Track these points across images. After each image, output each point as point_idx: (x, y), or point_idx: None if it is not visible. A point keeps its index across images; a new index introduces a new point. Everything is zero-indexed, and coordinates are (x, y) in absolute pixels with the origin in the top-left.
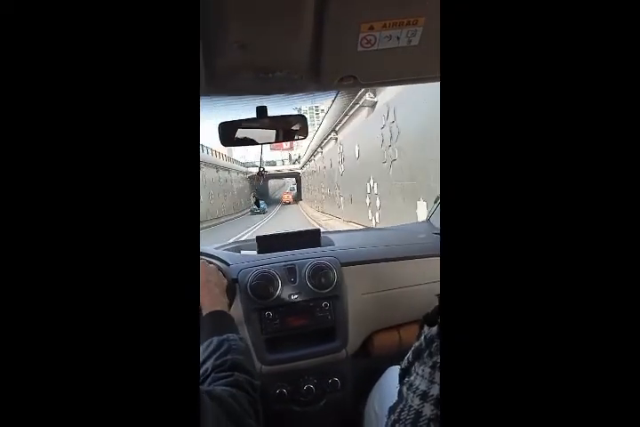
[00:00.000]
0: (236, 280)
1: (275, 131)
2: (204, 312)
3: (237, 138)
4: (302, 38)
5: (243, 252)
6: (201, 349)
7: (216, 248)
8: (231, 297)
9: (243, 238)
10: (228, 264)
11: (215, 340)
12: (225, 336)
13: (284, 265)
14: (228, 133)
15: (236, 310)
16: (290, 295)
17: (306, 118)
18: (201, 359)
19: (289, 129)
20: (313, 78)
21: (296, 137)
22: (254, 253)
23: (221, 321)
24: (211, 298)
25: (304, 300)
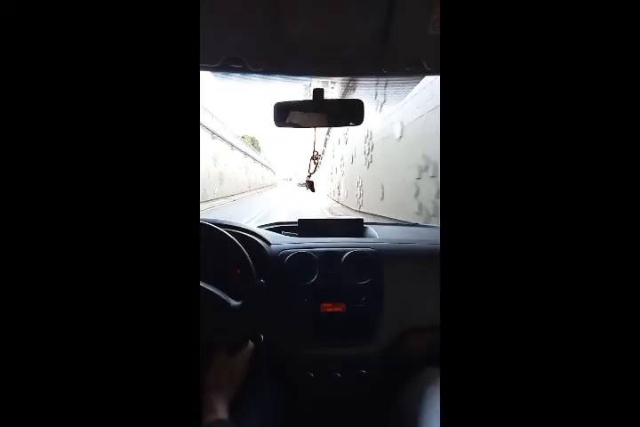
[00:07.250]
0: (275, 260)
1: (327, 115)
2: None
3: (290, 119)
4: (373, 15)
5: (284, 233)
6: None
7: (258, 227)
8: (270, 276)
9: None
10: (270, 243)
11: None
12: None
13: (325, 251)
14: (282, 114)
15: (274, 290)
16: (327, 282)
17: (363, 104)
18: None
19: (343, 114)
20: (379, 61)
21: (350, 123)
22: (295, 235)
23: None
24: None
25: (341, 288)
